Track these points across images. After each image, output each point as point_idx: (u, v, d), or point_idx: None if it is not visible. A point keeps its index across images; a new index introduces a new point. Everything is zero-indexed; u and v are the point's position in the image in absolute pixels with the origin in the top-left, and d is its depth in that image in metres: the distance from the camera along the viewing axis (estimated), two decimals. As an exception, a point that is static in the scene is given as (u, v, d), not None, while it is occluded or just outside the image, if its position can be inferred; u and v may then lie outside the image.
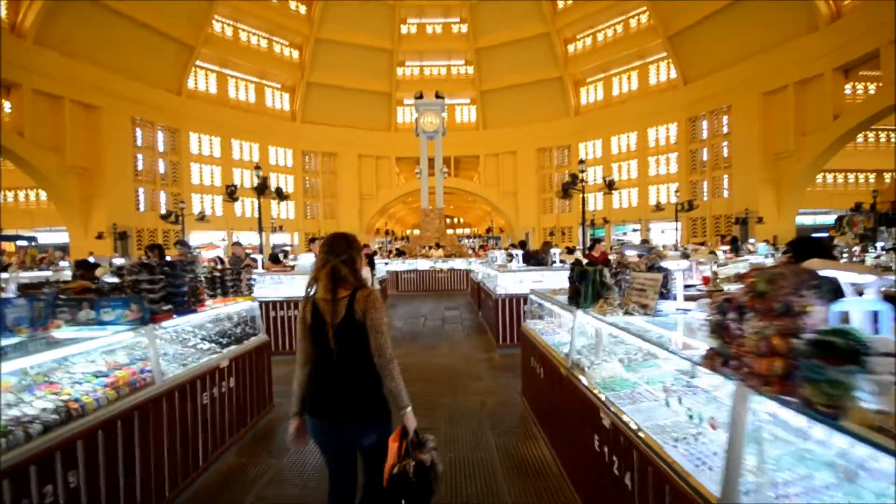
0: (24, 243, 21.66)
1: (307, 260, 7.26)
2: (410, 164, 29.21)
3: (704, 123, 25.46)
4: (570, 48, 29.47)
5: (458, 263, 15.78)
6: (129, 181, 24.16)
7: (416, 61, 31.52)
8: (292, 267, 7.51)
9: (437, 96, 18.67)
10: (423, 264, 15.63)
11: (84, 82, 21.69)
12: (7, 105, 20.43)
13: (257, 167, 9.97)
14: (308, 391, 2.08)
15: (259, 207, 9.23)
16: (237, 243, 8.22)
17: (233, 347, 3.96)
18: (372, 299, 2.01)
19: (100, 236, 21.09)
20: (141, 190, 24.96)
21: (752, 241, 12.95)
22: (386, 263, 15.43)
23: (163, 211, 23.44)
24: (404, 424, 1.99)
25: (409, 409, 2.01)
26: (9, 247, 21.45)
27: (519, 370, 5.15)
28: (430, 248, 16.85)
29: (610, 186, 10.08)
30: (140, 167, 24.91)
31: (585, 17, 27.80)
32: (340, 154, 31.82)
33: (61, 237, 24.36)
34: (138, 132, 24.73)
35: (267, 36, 28.59)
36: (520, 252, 8.06)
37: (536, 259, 7.79)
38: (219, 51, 26.94)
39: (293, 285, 7.20)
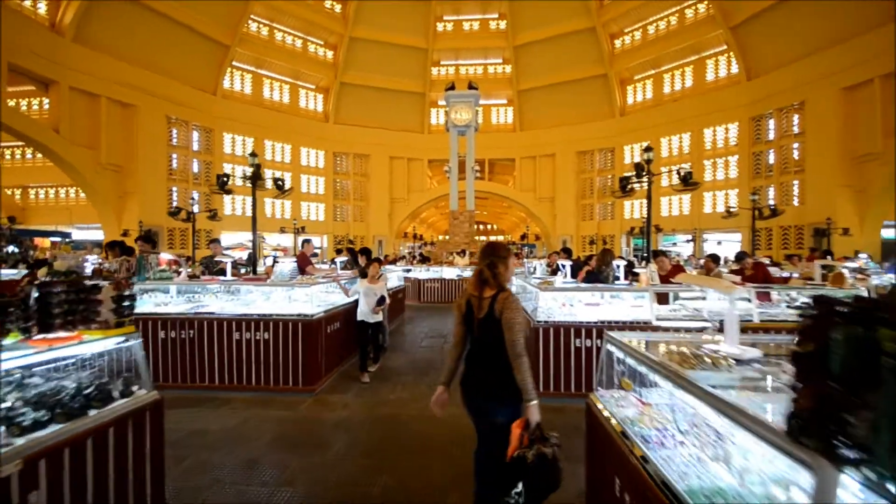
0: (57, 239, 21.49)
1: (286, 267, 5.45)
2: (443, 167, 27.52)
3: (771, 123, 22.23)
4: (617, 43, 26.87)
5: (489, 272, 13.70)
6: (163, 180, 23.63)
7: (452, 60, 29.78)
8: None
9: (471, 87, 16.75)
10: (448, 272, 13.65)
11: (121, 80, 21.27)
12: (45, 102, 20.28)
13: (252, 154, 8.41)
14: (459, 367, 2.52)
15: (253, 201, 7.66)
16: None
17: (58, 427, 2.11)
18: (509, 301, 2.34)
19: (125, 233, 20.43)
20: (174, 189, 24.47)
21: (863, 255, 10.12)
22: (407, 270, 13.56)
23: (195, 210, 22.74)
24: (528, 416, 2.13)
25: (535, 402, 2.16)
26: (43, 242, 21.29)
27: (572, 451, 3.03)
28: (458, 254, 14.85)
29: (686, 181, 7.72)
30: (174, 166, 24.44)
31: (635, 10, 25.19)
32: (372, 156, 30.49)
33: (97, 234, 24.14)
34: (173, 131, 24.27)
35: (302, 35, 27.71)
36: (567, 263, 5.93)
37: (591, 273, 5.65)
38: (254, 50, 26.24)
39: (269, 299, 5.42)
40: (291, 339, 5.13)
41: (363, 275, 6.33)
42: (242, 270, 6.54)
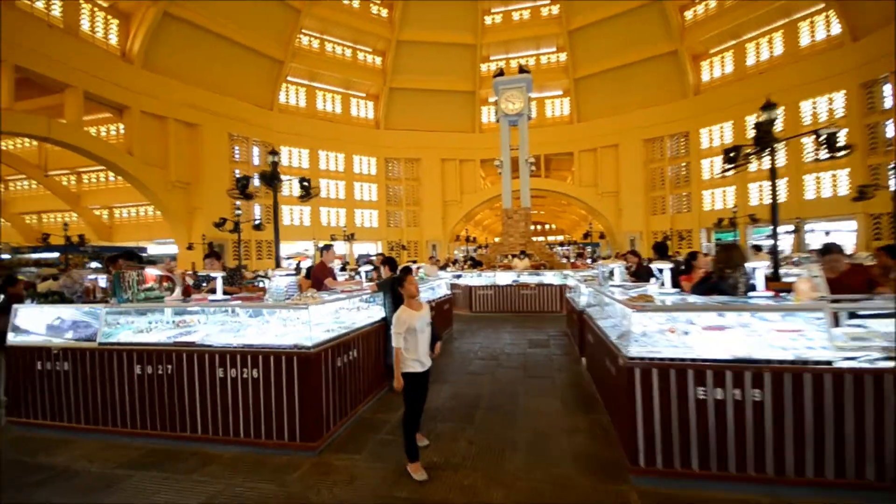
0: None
1: (282, 282, 4.11)
2: (496, 165, 25.79)
3: (887, 88, 18.07)
4: (688, 15, 23.60)
5: (550, 277, 11.74)
6: (226, 194, 24.23)
7: (502, 54, 28.01)
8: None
9: (522, 71, 14.91)
10: (503, 278, 11.90)
11: (186, 102, 21.99)
12: (121, 127, 21.38)
13: (272, 152, 7.36)
14: None
15: (275, 203, 6.61)
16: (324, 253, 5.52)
17: None
18: None
19: (190, 247, 20.96)
20: (238, 203, 25.00)
21: None
22: (458, 276, 12.00)
23: (256, 221, 23.00)
24: None
25: None
26: (124, 257, 22.54)
27: None
28: (513, 256, 13.04)
29: (832, 145, 5.42)
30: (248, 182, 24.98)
31: (708, -26, 21.96)
32: (423, 159, 29.49)
33: (173, 248, 25.25)
34: (235, 148, 24.83)
35: (351, 45, 27.43)
36: (665, 266, 4.04)
37: (707, 281, 3.72)
38: (307, 63, 26.32)
39: (265, 325, 4.10)
40: (286, 377, 3.77)
41: (383, 288, 4.85)
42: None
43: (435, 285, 8.61)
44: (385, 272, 4.99)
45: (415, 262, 19.17)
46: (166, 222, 23.48)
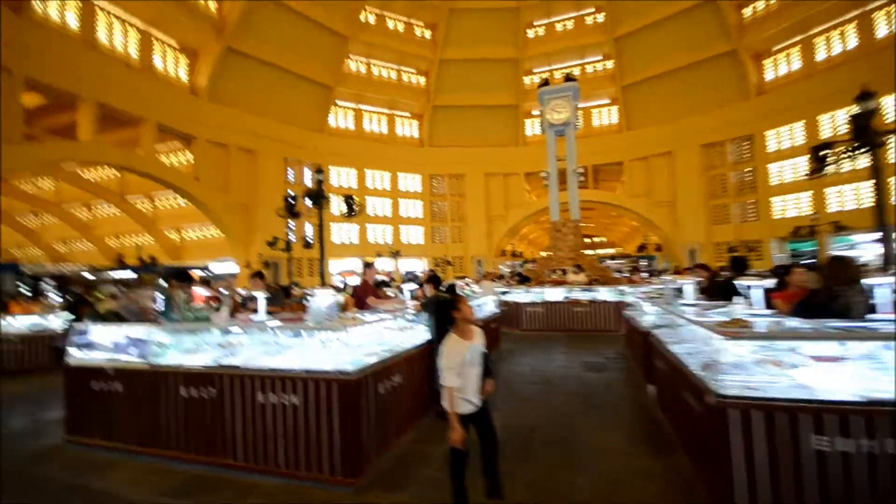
0: (199, 272, 24.08)
1: (323, 301, 3.90)
2: (541, 178, 25.16)
3: None
4: (746, 12, 22.06)
5: (604, 293, 10.95)
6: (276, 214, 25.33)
7: (545, 66, 27.58)
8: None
9: (568, 79, 14.39)
10: (552, 294, 11.26)
11: (245, 129, 23.36)
12: (189, 155, 23.03)
13: (318, 170, 7.38)
14: None
15: (320, 221, 6.58)
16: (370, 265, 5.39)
17: None
18: None
19: (248, 265, 21.91)
20: (291, 223, 26.05)
21: None
22: (504, 293, 11.51)
23: (308, 240, 23.85)
24: None
25: None
26: (193, 275, 24.00)
27: None
28: (563, 272, 12.35)
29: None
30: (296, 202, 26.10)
31: (768, -33, 20.47)
32: (467, 175, 29.40)
33: (234, 267, 26.60)
34: (289, 170, 26.00)
35: (396, 67, 28.16)
36: (759, 284, 3.40)
37: (817, 303, 3.06)
38: (354, 87, 27.28)
39: (302, 350, 3.91)
40: (325, 405, 3.52)
41: (427, 308, 4.53)
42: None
43: (482, 303, 8.21)
44: (429, 290, 4.69)
45: (463, 277, 18.85)
46: (228, 242, 24.82)
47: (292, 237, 22.64)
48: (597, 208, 29.54)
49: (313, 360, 3.78)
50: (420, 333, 4.99)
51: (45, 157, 16.79)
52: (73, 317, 6.22)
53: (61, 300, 10.53)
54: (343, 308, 5.78)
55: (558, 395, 5.83)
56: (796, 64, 21.36)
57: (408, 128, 29.92)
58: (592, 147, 25.77)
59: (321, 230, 6.93)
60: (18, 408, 6.09)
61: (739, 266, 4.78)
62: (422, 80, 28.79)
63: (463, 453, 2.79)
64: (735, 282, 4.03)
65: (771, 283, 3.95)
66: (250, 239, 24.10)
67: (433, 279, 4.79)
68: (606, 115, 27.74)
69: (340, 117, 28.08)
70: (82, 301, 6.00)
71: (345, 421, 3.48)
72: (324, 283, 7.16)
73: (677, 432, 3.92)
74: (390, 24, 26.71)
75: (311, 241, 19.79)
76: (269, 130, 24.17)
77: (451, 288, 5.17)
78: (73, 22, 17.00)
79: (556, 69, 27.30)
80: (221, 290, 7.27)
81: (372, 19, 26.14)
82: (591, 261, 14.06)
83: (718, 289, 5.04)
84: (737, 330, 2.66)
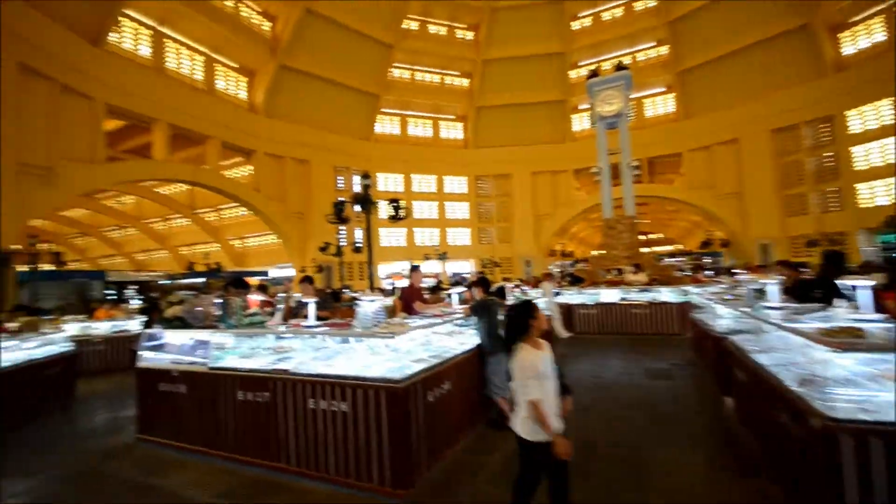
0: (258, 278, 25.50)
1: (370, 307, 3.81)
2: (591, 174, 24.13)
3: None
4: (821, -20, 19.86)
5: (666, 294, 10.17)
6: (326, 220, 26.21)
7: (592, 58, 26.46)
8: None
9: (619, 68, 13.58)
10: (608, 295, 10.62)
11: (298, 141, 24.42)
12: (249, 168, 24.45)
13: (365, 176, 7.42)
14: None
15: (367, 225, 6.61)
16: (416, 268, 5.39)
17: None
18: None
19: (303, 270, 22.81)
20: (342, 228, 26.90)
21: None
22: (556, 294, 11.03)
23: (357, 244, 24.51)
24: None
25: None
26: (252, 281, 25.51)
27: None
28: (620, 271, 11.64)
29: None
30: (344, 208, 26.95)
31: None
32: (514, 174, 28.86)
33: (291, 272, 27.90)
34: (339, 178, 26.85)
35: (439, 71, 28.27)
36: (864, 284, 2.88)
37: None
38: (399, 94, 27.70)
39: (350, 356, 3.84)
40: (374, 413, 3.43)
41: (477, 311, 4.33)
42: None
43: (543, 308, 7.88)
44: (478, 293, 4.48)
45: (508, 279, 18.43)
46: (285, 248, 26.05)
47: (343, 242, 23.36)
48: (652, 203, 27.87)
49: (361, 366, 3.71)
50: (469, 338, 4.80)
51: (125, 175, 18.45)
52: (145, 320, 6.65)
53: (140, 305, 11.44)
54: (391, 312, 5.73)
55: (620, 404, 5.39)
56: (879, 36, 18.89)
57: (452, 130, 29.94)
58: (647, 139, 24.34)
59: (369, 234, 6.99)
60: (100, 406, 6.60)
61: (836, 262, 4.14)
62: (465, 81, 28.69)
63: (538, 476, 2.46)
64: (840, 281, 3.44)
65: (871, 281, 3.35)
66: (305, 245, 25.12)
67: (482, 282, 4.58)
68: (662, 104, 26.11)
69: (386, 124, 28.64)
70: (153, 306, 6.43)
71: (394, 430, 3.36)
72: (372, 287, 7.18)
73: (763, 453, 3.43)
74: (432, 29, 26.86)
75: (361, 246, 20.24)
76: (321, 141, 25.08)
77: (501, 291, 4.94)
78: (145, 51, 18.58)
79: (605, 59, 26.10)
80: (280, 294, 7.52)
81: (414, 26, 26.42)
82: (649, 259, 13.17)
83: (807, 288, 4.40)
84: (849, 340, 2.22)
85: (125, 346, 8.82)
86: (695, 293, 8.88)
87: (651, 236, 42.63)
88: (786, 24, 20.57)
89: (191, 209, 28.47)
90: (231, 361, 4.42)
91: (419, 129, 29.36)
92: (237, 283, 5.02)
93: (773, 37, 21.01)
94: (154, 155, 18.51)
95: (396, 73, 27.55)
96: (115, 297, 16.69)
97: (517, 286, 11.02)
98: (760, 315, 3.62)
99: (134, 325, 9.37)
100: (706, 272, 16.95)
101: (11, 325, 6.53)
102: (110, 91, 16.11)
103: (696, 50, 23.21)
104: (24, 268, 14.31)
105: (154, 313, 6.52)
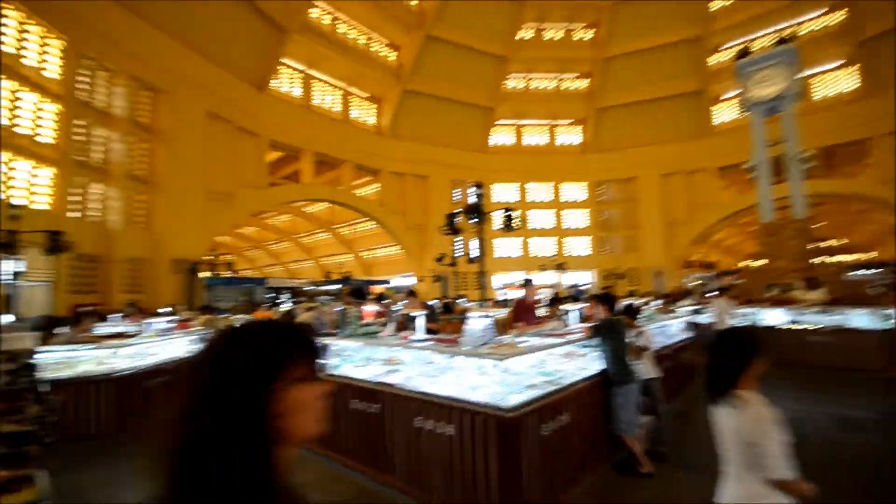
0: (381, 286, 27.45)
1: (478, 324, 3.52)
2: (739, 171, 20.31)
3: None
4: None
5: (857, 317, 7.80)
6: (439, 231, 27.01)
7: (738, 38, 22.62)
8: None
9: (781, 41, 11.10)
10: (771, 316, 8.60)
11: (418, 159, 25.87)
12: (376, 186, 26.70)
13: (478, 186, 7.23)
14: None
15: (480, 234, 6.42)
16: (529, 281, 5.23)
17: None
18: None
19: (421, 279, 23.83)
20: (458, 240, 27.50)
21: None
22: (696, 311, 9.35)
23: (472, 255, 24.86)
24: None
25: None
26: (376, 289, 27.58)
27: None
28: (782, 290, 9.35)
29: None
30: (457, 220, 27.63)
31: None
32: (640, 177, 26.14)
33: (412, 281, 29.49)
34: (455, 191, 27.61)
35: (555, 76, 27.26)
36: None
37: None
38: (513, 104, 27.45)
39: (457, 374, 3.60)
40: (482, 441, 3.11)
41: (600, 333, 3.72)
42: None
43: (666, 325, 6.72)
44: (602, 312, 3.87)
45: (633, 293, 16.50)
46: (406, 259, 27.65)
47: (459, 252, 23.80)
48: (828, 202, 22.39)
49: (469, 386, 3.43)
50: (590, 362, 4.18)
51: (282, 198, 21.65)
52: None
53: (288, 307, 13.10)
54: (504, 325, 5.38)
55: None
56: None
57: (569, 136, 28.50)
58: (818, 124, 19.73)
59: (482, 245, 6.80)
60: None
61: None
62: (583, 83, 27.12)
63: None
64: None
65: None
66: (424, 255, 26.29)
67: (606, 298, 3.95)
68: (837, 83, 20.99)
69: (501, 135, 28.59)
70: (289, 312, 7.22)
71: (503, 464, 2.99)
72: (484, 298, 6.94)
73: None
74: (547, 34, 26.06)
75: (475, 256, 20.35)
76: (438, 156, 26.13)
77: (630, 309, 4.22)
78: (297, 91, 21.67)
79: (756, 37, 22.09)
80: (400, 303, 7.80)
81: (529, 35, 25.95)
82: (830, 271, 10.37)
83: None
84: None
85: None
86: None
87: (830, 243, 34.31)
88: None
89: (330, 224, 32.20)
90: (347, 369, 4.56)
91: (534, 137, 28.64)
92: (356, 293, 5.22)
93: None
94: (302, 179, 21.39)
95: (511, 83, 27.37)
96: (273, 299, 19.57)
97: (645, 304, 9.47)
98: None
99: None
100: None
101: (194, 323, 7.92)
102: (272, 128, 19.13)
103: (881, 12, 18.13)
104: (207, 274, 17.69)
105: (289, 319, 7.27)
